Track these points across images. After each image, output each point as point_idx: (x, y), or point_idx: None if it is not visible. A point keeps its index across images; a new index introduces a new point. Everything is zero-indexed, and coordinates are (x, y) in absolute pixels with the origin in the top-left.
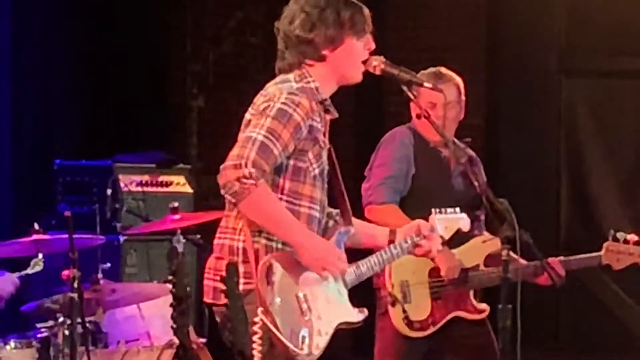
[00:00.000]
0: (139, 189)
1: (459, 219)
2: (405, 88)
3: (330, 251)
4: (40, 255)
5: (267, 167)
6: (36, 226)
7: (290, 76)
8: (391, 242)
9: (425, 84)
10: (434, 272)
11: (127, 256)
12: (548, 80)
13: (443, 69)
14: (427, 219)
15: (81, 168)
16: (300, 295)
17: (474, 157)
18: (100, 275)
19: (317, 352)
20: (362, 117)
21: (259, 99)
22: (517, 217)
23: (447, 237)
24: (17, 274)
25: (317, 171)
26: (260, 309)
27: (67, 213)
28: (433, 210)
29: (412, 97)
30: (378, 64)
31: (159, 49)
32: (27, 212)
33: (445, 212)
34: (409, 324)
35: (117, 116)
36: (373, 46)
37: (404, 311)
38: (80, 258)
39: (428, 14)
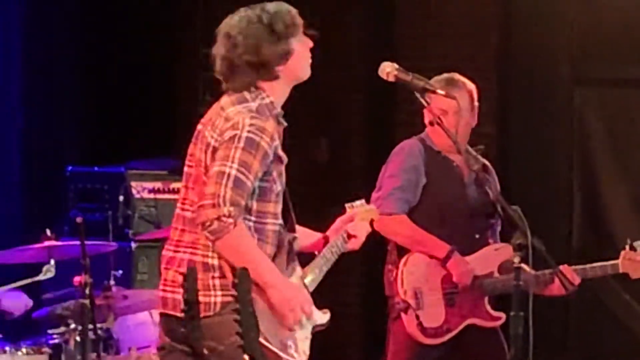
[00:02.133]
0: (151, 195)
1: (371, 210)
2: (418, 95)
3: (298, 295)
4: (52, 262)
5: (243, 201)
6: (48, 232)
7: (246, 95)
8: (326, 243)
9: (439, 91)
10: (447, 278)
11: (139, 263)
12: (560, 89)
13: (456, 75)
14: (442, 229)
15: (93, 175)
16: None
17: (488, 165)
18: (112, 282)
19: (304, 357)
20: (372, 126)
21: (219, 121)
22: (529, 225)
23: (367, 228)
24: (29, 280)
25: (279, 188)
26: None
27: (79, 219)
28: (346, 205)
29: (425, 103)
30: (391, 70)
31: (171, 56)
32: (39, 218)
33: (352, 206)
34: (423, 330)
35: (129, 123)
36: (311, 43)
37: (417, 317)
38: (92, 264)
39: (439, 23)
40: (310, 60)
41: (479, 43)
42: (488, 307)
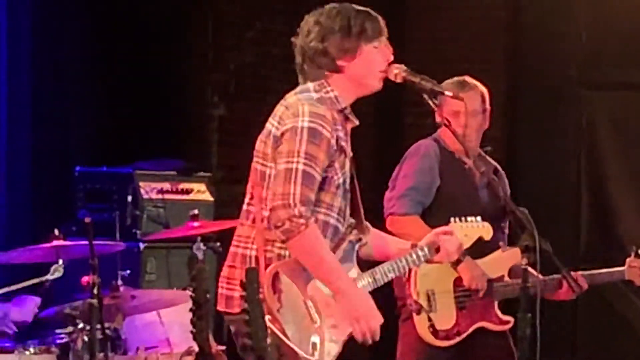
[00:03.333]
0: (160, 196)
1: (480, 227)
2: (426, 96)
3: (368, 305)
4: (61, 261)
5: (313, 195)
6: (56, 232)
7: (310, 85)
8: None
9: (446, 92)
10: (459, 282)
11: (147, 263)
12: (568, 92)
13: (468, 78)
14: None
15: (102, 175)
16: (309, 302)
17: (499, 168)
18: (119, 282)
19: (328, 359)
20: (381, 127)
21: (279, 110)
22: (537, 228)
23: (467, 245)
24: (37, 280)
25: (340, 180)
26: (268, 317)
27: (88, 219)
28: (452, 218)
29: (433, 105)
30: (399, 72)
31: (180, 57)
32: (48, 218)
33: (466, 220)
34: (435, 332)
35: (138, 124)
36: (391, 56)
37: (430, 320)
38: (100, 264)
39: (448, 26)
40: (382, 73)
41: (488, 46)
42: (497, 311)
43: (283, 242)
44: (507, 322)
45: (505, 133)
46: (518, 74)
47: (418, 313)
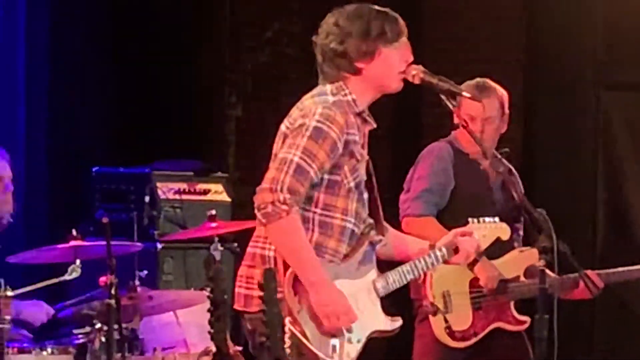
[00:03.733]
0: (177, 196)
1: (498, 228)
2: (444, 97)
3: (339, 303)
4: (78, 262)
5: (303, 189)
6: (74, 233)
7: (327, 88)
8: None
9: (464, 93)
10: (475, 282)
11: (164, 263)
12: (585, 93)
13: (488, 81)
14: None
15: (119, 175)
16: None
17: (513, 169)
18: (137, 282)
19: None
20: (399, 129)
21: (294, 112)
22: (554, 228)
23: (485, 245)
24: (54, 280)
25: (352, 184)
26: (288, 319)
27: (105, 219)
28: (470, 219)
29: (450, 106)
30: (417, 73)
31: (197, 58)
32: (65, 218)
33: (484, 221)
34: (451, 333)
35: (155, 124)
36: (411, 57)
37: (446, 321)
38: (117, 265)
39: (465, 26)
40: (402, 75)
41: (504, 47)
42: (514, 311)
43: (264, 225)
44: (524, 322)
45: (522, 133)
46: (535, 75)
47: (434, 314)
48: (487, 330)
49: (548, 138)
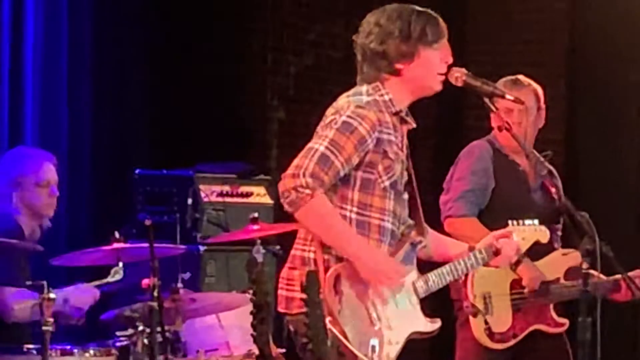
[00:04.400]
0: (219, 199)
1: (537, 230)
2: (486, 100)
3: (387, 264)
4: (121, 264)
5: (327, 178)
6: (117, 235)
7: (363, 88)
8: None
9: (507, 96)
10: (516, 284)
11: (207, 266)
12: (630, 95)
13: (521, 77)
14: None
15: (162, 178)
16: (369, 304)
17: (553, 171)
18: (179, 285)
19: None
20: (442, 130)
21: (329, 111)
22: (597, 231)
23: (524, 248)
24: (97, 282)
25: (387, 183)
26: (328, 319)
27: (148, 222)
28: (510, 221)
29: (493, 109)
30: (460, 75)
31: (240, 60)
32: (108, 221)
33: (523, 224)
34: (491, 335)
35: (198, 127)
36: (451, 59)
37: (486, 322)
38: (160, 267)
39: (509, 28)
40: (442, 76)
41: (548, 49)
42: (553, 313)
43: (292, 214)
44: (563, 325)
45: (566, 136)
46: (578, 78)
47: (475, 316)
48: (526, 332)
49: (591, 141)
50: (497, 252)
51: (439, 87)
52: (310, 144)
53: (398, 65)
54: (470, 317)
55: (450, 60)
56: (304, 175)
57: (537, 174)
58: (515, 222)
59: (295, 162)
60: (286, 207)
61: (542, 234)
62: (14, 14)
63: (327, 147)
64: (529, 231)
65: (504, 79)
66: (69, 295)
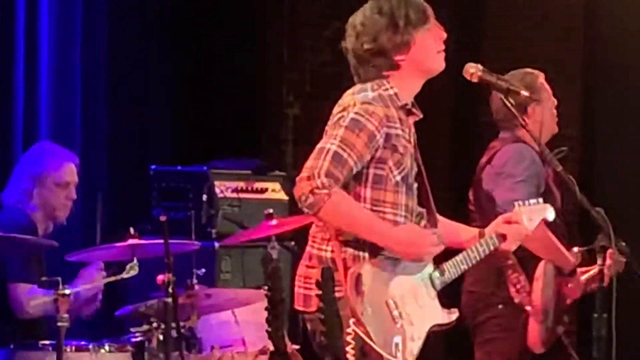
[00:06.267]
0: (235, 195)
1: (543, 209)
2: (502, 96)
3: (421, 235)
4: (136, 260)
5: (342, 176)
6: (132, 231)
7: (367, 85)
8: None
9: (523, 92)
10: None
11: (222, 262)
12: None
13: (528, 70)
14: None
15: (177, 174)
16: (391, 302)
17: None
18: (194, 281)
19: (411, 359)
20: (457, 128)
21: (336, 109)
22: (613, 227)
23: (531, 228)
24: (112, 278)
25: (398, 177)
26: (352, 320)
27: (163, 218)
28: (516, 203)
29: (509, 104)
30: (475, 71)
31: (256, 57)
32: (123, 217)
33: (529, 204)
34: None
35: (213, 123)
36: (444, 34)
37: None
38: (175, 263)
39: (525, 25)
40: (442, 53)
41: (565, 46)
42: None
43: (314, 216)
44: None
45: (582, 133)
46: (595, 74)
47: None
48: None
49: (607, 137)
50: (504, 237)
51: (442, 66)
52: (320, 144)
53: (397, 58)
54: (531, 322)
55: (444, 36)
56: (319, 176)
57: (558, 170)
58: (520, 202)
59: (308, 163)
60: (306, 210)
61: (548, 212)
62: (28, 8)
63: (338, 146)
64: (534, 210)
65: (511, 73)
66: (78, 293)
